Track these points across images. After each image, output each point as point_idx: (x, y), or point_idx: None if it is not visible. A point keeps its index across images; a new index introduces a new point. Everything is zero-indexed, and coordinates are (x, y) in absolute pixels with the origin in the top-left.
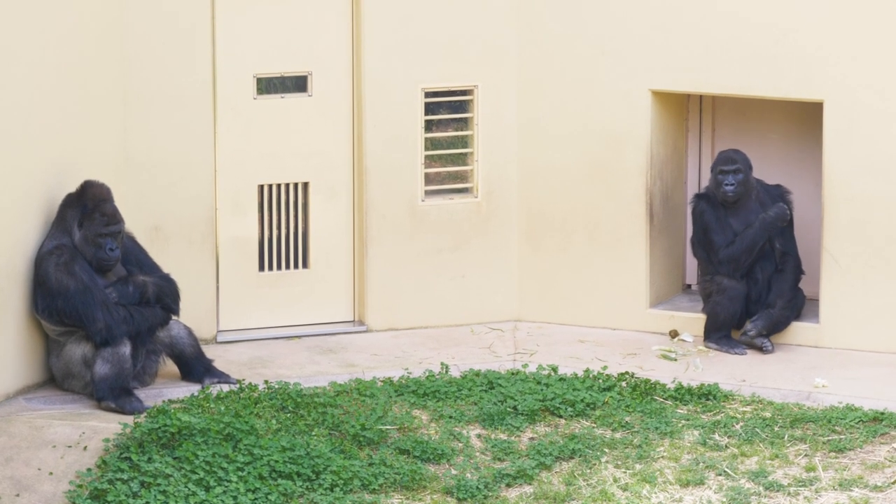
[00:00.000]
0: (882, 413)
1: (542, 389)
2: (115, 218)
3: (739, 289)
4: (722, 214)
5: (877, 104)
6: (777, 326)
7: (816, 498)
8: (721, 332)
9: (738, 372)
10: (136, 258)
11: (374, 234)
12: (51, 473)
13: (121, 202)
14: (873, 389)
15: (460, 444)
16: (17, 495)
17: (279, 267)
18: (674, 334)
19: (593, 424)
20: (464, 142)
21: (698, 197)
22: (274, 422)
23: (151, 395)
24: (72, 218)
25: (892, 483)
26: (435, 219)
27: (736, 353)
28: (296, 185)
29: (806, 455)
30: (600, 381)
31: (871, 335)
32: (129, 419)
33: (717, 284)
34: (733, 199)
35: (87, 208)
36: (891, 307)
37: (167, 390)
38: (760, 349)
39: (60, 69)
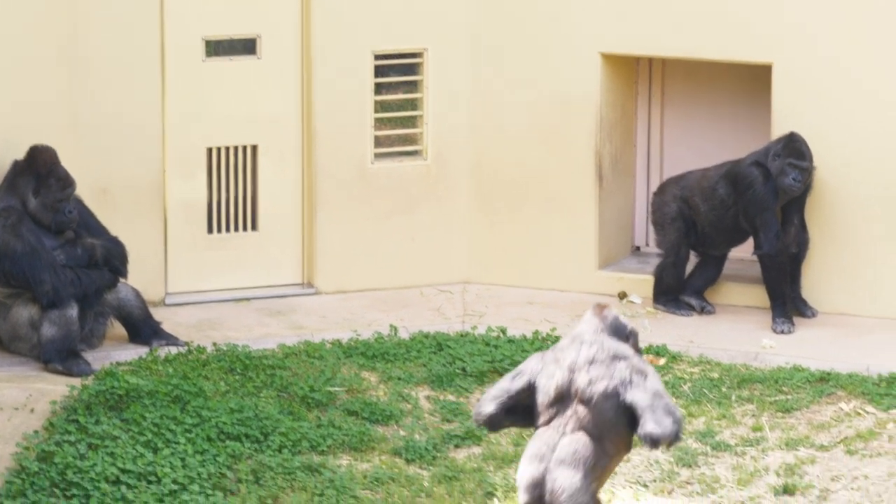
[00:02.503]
0: (828, 373)
1: (490, 351)
2: (69, 180)
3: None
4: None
5: (825, 66)
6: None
7: (763, 457)
8: (669, 295)
9: (686, 333)
10: (85, 221)
11: (324, 197)
12: None
13: (68, 165)
14: (820, 350)
15: (409, 406)
16: None
17: (228, 230)
18: (622, 296)
19: None
20: (413, 105)
21: (761, 169)
22: (222, 384)
23: (99, 358)
24: (25, 186)
25: (838, 442)
26: (384, 182)
27: (683, 315)
28: (245, 147)
29: (753, 415)
30: (549, 342)
31: (819, 297)
32: (77, 381)
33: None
34: (795, 195)
35: (41, 175)
36: (838, 270)
37: (115, 353)
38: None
39: (3, 30)
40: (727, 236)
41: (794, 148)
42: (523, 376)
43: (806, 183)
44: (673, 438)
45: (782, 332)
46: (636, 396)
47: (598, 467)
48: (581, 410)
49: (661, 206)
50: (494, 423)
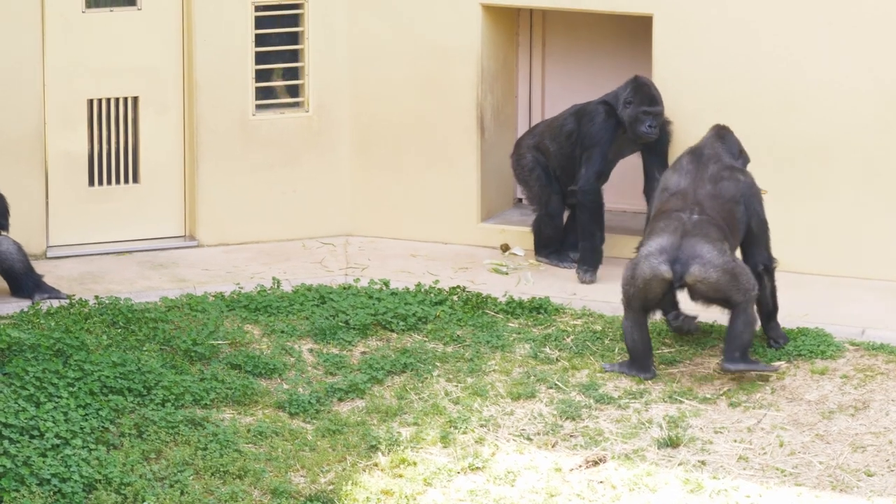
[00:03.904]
0: (711, 326)
1: (373, 304)
2: None
3: None
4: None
5: (705, 18)
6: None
7: (646, 410)
8: (552, 247)
9: (568, 286)
10: None
11: (205, 150)
12: None
13: None
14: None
15: (292, 359)
16: None
17: (109, 182)
18: (505, 248)
19: (425, 338)
20: (294, 56)
21: (606, 107)
22: (105, 337)
23: None
24: None
25: (721, 395)
26: (266, 133)
27: (566, 267)
28: (125, 99)
29: None
30: (432, 295)
31: None
32: None
33: None
34: (651, 140)
35: None
36: None
37: None
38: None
39: None
40: (575, 180)
41: (645, 94)
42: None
43: (661, 127)
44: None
45: (584, 280)
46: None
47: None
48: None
49: (519, 160)
50: None
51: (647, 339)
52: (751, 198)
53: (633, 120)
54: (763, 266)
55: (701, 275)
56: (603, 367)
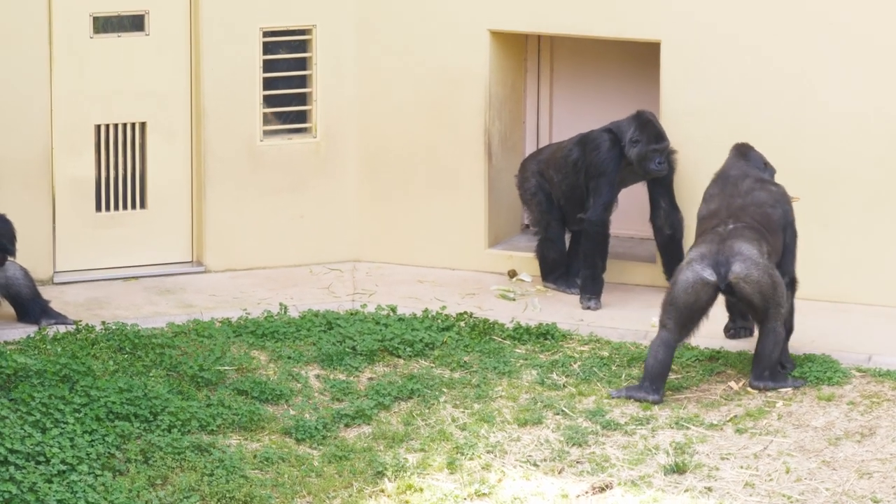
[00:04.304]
0: (718, 352)
1: (380, 329)
2: None
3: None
4: None
5: (713, 45)
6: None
7: (653, 436)
8: (558, 272)
9: (576, 311)
10: None
11: (213, 175)
12: None
13: None
14: (709, 328)
15: (299, 385)
16: None
17: (117, 207)
18: (512, 274)
19: (432, 364)
20: (302, 82)
21: (611, 135)
22: (111, 363)
23: None
24: None
25: (728, 421)
26: (274, 159)
27: (573, 293)
28: (133, 125)
29: None
30: (439, 321)
31: None
32: None
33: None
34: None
35: None
36: None
37: (3, 331)
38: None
39: None
40: (580, 208)
41: (651, 131)
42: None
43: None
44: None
45: (588, 307)
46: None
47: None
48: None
49: (523, 183)
50: None
51: (667, 363)
52: (785, 205)
53: (641, 158)
54: (789, 279)
55: (743, 272)
56: (609, 395)
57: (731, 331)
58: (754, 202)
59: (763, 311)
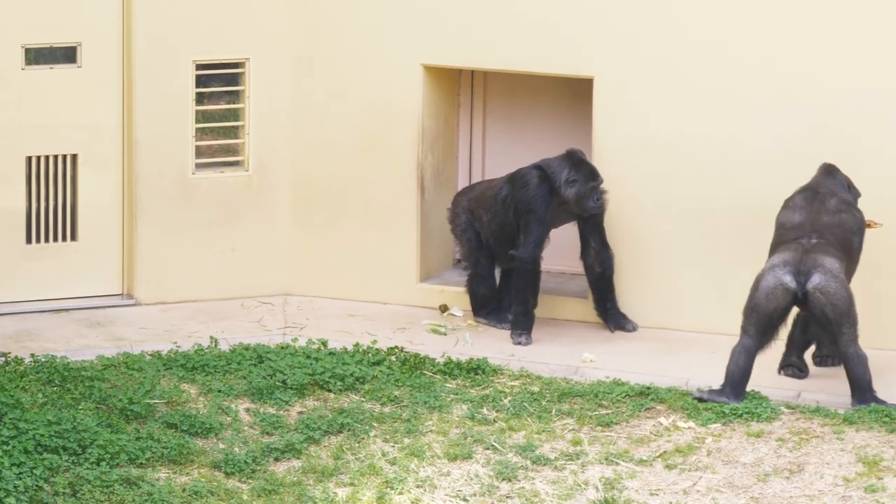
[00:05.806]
0: (648, 388)
1: (311, 363)
2: None
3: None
4: None
5: (644, 81)
6: None
7: (582, 472)
8: (489, 307)
9: (507, 346)
10: None
11: (144, 207)
12: None
13: None
14: (640, 364)
15: (229, 418)
16: None
17: (47, 239)
18: (444, 309)
19: (362, 399)
20: (235, 115)
21: (540, 172)
22: (40, 395)
23: None
24: None
25: (657, 457)
26: (205, 192)
27: (504, 328)
28: (65, 156)
29: (573, 429)
30: (370, 355)
31: (638, 311)
32: None
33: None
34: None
35: None
36: (655, 284)
37: None
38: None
39: None
40: (510, 246)
41: (586, 170)
42: None
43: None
44: None
45: (519, 343)
46: None
47: None
48: None
49: (454, 218)
50: None
51: (748, 369)
52: (862, 235)
53: (580, 196)
54: None
55: (822, 283)
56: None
57: (818, 358)
58: (839, 223)
59: (836, 326)
